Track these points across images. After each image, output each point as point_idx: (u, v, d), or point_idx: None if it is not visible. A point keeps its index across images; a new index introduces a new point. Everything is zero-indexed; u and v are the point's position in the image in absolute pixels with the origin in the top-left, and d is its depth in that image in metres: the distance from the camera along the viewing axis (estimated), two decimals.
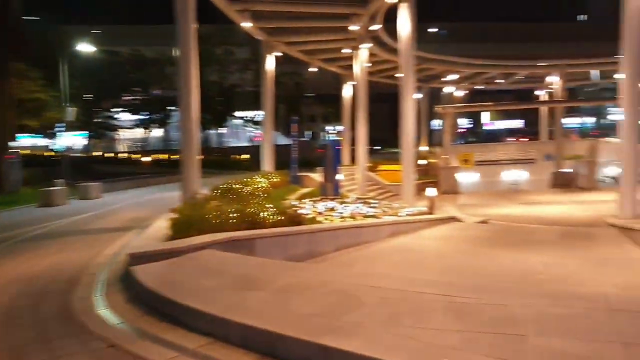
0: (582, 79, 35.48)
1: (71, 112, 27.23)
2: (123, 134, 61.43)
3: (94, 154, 53.73)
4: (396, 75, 29.27)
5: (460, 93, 38.99)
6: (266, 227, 9.25)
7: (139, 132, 59.68)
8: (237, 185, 15.85)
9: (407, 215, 13.28)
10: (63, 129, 29.37)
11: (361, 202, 15.61)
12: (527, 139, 55.36)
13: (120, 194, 23.44)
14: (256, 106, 51.89)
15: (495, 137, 69.94)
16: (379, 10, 19.50)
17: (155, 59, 50.14)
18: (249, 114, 56.12)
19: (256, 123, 54.77)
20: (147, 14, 58.59)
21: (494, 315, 4.32)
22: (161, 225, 10.24)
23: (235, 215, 9.58)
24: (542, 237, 11.57)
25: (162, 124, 54.72)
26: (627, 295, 5.82)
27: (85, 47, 26.51)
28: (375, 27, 20.62)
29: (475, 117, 76.17)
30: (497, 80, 32.73)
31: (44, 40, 30.80)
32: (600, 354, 3.48)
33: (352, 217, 12.14)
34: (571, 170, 28.23)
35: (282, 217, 9.82)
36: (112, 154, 54.42)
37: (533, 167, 32.47)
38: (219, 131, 56.27)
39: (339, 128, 79.98)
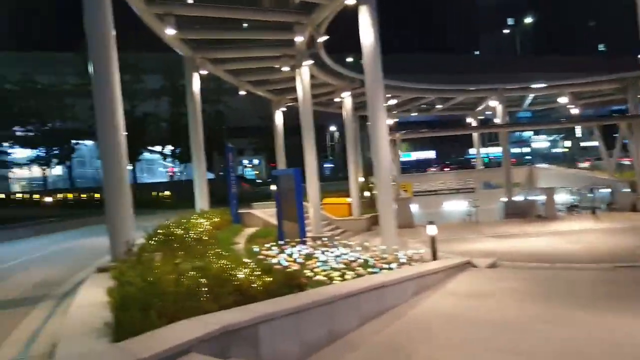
0: (515, 105, 35.25)
1: None
2: (16, 172, 54.09)
3: None
4: (335, 99, 27.03)
5: (389, 122, 37.67)
6: (258, 298, 6.10)
7: (36, 170, 52.72)
8: (178, 230, 12.45)
9: (409, 261, 10.50)
10: None
11: (340, 245, 12.69)
12: (449, 169, 55.44)
13: (19, 244, 18.68)
14: (172, 139, 47.85)
15: (412, 167, 70.19)
16: (324, 20, 17.20)
17: (51, 85, 44.59)
18: (158, 147, 51.42)
19: (171, 157, 50.21)
20: (31, 40, 53.01)
21: None
22: (90, 297, 6.75)
23: (203, 280, 6.38)
24: (597, 286, 9.15)
25: (63, 159, 48.19)
26: None
27: None
28: (322, 38, 18.09)
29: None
30: (438, 106, 31.53)
31: None
32: None
33: (351, 268, 9.15)
34: (523, 198, 27.07)
35: (271, 278, 6.73)
36: (3, 195, 47.01)
37: (474, 197, 31.26)
38: (128, 167, 50.96)
39: (255, 161, 77.50)
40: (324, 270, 8.88)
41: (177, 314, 5.14)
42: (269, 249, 11.61)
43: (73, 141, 47.29)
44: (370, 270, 9.16)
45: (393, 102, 28.22)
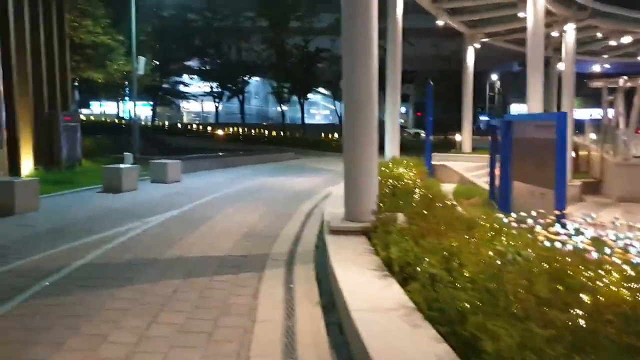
0: None
1: (142, 62, 21.74)
2: (190, 103, 56.66)
3: (159, 124, 48.87)
4: (552, 34, 22.39)
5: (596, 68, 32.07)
6: None
7: (206, 103, 54.62)
8: (393, 181, 10.07)
9: None
10: (129, 91, 24.17)
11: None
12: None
13: (205, 177, 17.93)
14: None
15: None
16: None
17: (228, 15, 44.67)
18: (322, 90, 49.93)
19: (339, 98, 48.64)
20: None
21: None
22: (358, 288, 4.39)
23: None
24: None
25: (236, 93, 48.72)
26: None
27: None
28: None
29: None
30: None
31: None
32: None
33: None
34: None
35: None
36: (179, 126, 49.41)
37: None
38: (281, 107, 49.98)
39: (402, 109, 72.54)
40: None
41: None
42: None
43: (246, 76, 47.52)
44: None
45: (627, 39, 22.69)
